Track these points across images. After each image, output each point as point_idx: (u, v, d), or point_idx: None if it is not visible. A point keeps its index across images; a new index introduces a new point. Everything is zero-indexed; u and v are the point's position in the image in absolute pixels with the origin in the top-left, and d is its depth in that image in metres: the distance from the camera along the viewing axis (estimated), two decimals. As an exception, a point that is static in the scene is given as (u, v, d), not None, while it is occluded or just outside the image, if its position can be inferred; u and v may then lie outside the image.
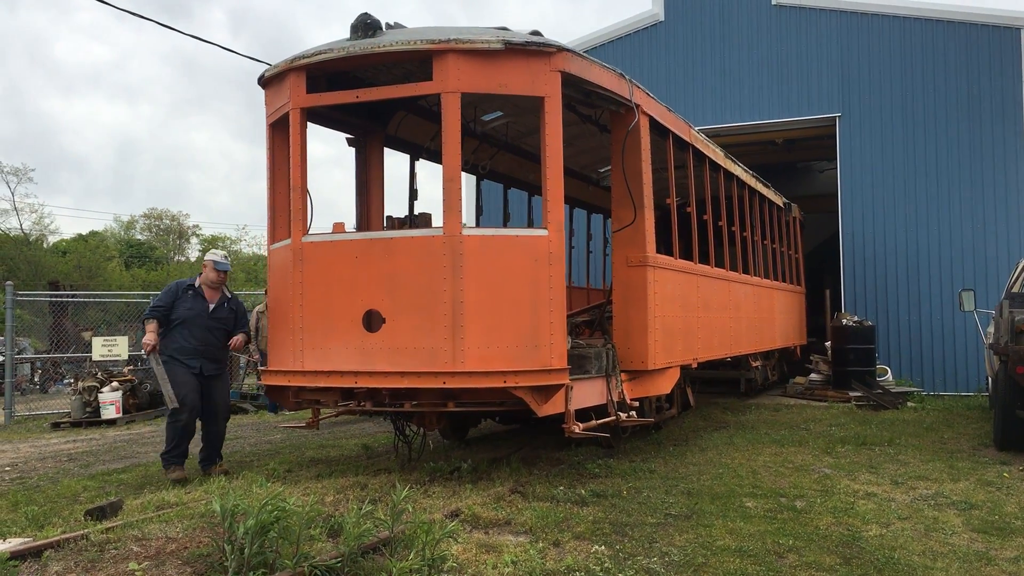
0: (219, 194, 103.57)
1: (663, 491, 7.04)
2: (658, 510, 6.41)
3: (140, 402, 14.34)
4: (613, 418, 7.71)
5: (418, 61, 7.26)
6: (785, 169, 21.77)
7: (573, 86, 7.34)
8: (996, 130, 15.66)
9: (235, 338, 8.23)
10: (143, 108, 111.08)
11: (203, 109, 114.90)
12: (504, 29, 7.24)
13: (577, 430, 7.07)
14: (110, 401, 13.57)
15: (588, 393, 7.46)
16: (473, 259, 6.68)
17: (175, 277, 44.42)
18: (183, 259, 59.11)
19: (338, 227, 7.30)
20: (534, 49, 6.89)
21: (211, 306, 8.09)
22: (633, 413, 8.03)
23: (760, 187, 13.86)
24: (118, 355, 15.70)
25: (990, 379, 12.89)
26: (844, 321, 15.00)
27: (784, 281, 15.76)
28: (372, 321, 6.91)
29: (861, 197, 16.70)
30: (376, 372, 6.78)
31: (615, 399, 7.81)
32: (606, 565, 5.05)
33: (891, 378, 15.19)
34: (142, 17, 11.12)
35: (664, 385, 8.94)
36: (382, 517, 5.28)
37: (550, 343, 6.80)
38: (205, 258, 8.35)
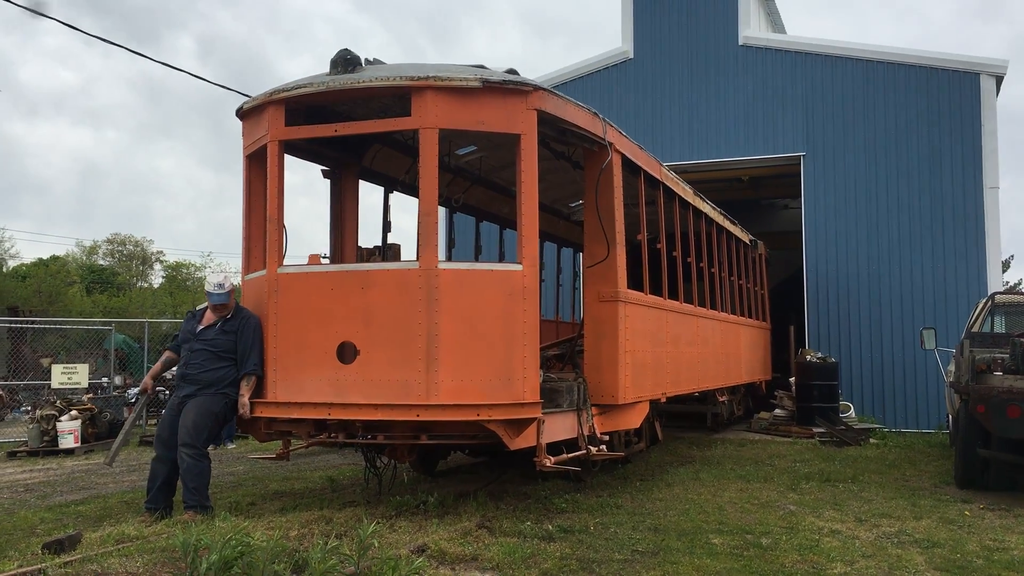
0: (184, 221, 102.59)
1: (630, 527, 7.06)
2: (625, 546, 6.42)
3: (99, 431, 14.09)
4: (584, 452, 7.74)
5: (396, 96, 7.32)
6: (750, 206, 22.11)
7: (548, 124, 7.44)
8: (956, 172, 16.07)
9: (242, 400, 7.31)
10: (108, 133, 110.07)
11: (169, 135, 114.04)
12: (481, 67, 7.34)
13: (548, 463, 7.09)
14: (68, 430, 13.32)
15: (559, 427, 7.49)
16: (448, 293, 6.72)
17: (137, 304, 43.79)
18: (145, 285, 58.34)
19: (313, 259, 7.31)
20: (511, 88, 6.99)
21: (200, 327, 7.60)
22: (603, 447, 8.08)
23: (727, 224, 14.07)
24: (78, 383, 15.45)
25: (951, 417, 13.12)
26: (808, 357, 15.20)
27: (750, 317, 15.97)
28: (346, 353, 6.90)
29: (825, 235, 17.02)
30: (350, 404, 6.77)
31: (586, 433, 7.84)
32: (575, 602, 5.06)
33: (854, 414, 15.39)
34: (111, 43, 11.10)
35: (634, 419, 9.00)
36: (347, 552, 5.24)
37: (523, 377, 6.83)
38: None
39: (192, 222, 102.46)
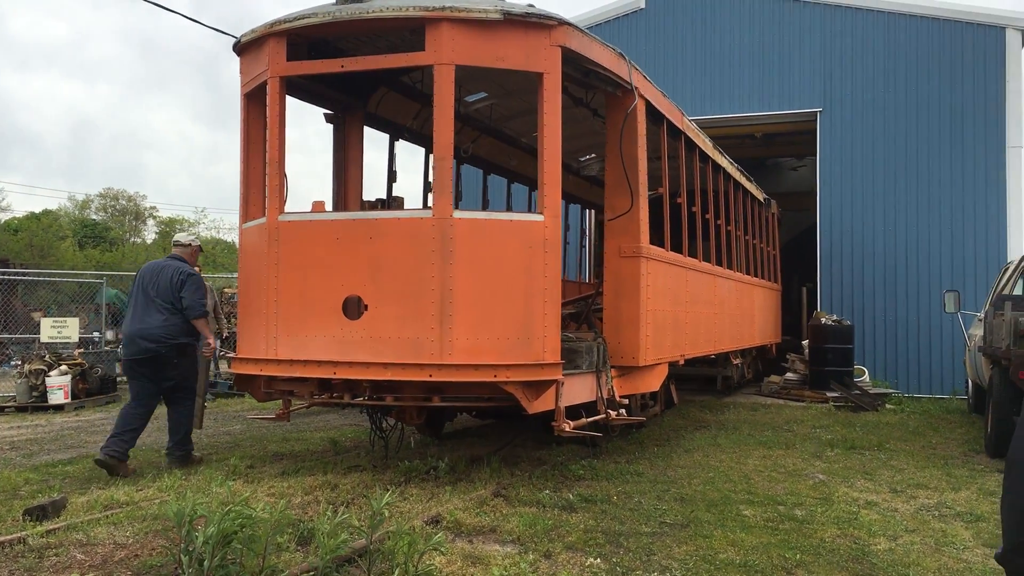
0: (177, 176, 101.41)
1: (654, 496, 6.64)
2: (652, 518, 6.01)
3: (90, 387, 13.64)
4: (603, 416, 7.30)
5: (408, 30, 6.76)
6: (756, 165, 21.54)
7: (572, 63, 6.88)
8: (977, 130, 15.49)
9: None
10: (100, 87, 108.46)
11: (162, 90, 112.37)
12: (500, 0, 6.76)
13: (568, 428, 6.65)
14: (58, 385, 12.85)
15: (578, 389, 7.03)
16: (464, 244, 6.20)
17: (130, 259, 43.14)
18: (139, 240, 57.66)
19: (317, 206, 6.77)
20: (534, 21, 6.41)
21: None
22: (623, 411, 7.63)
23: (744, 181, 13.55)
24: (68, 337, 14.99)
25: (970, 383, 12.72)
26: (823, 320, 14.74)
27: (763, 278, 15.48)
28: (353, 308, 6.41)
29: (840, 194, 16.45)
30: (356, 363, 6.27)
31: (605, 396, 7.39)
32: (604, 580, 4.64)
33: (868, 379, 14.98)
34: None
35: (653, 382, 8.56)
36: (357, 524, 4.80)
37: (543, 336, 6.35)
38: (193, 242, 8.17)
39: (186, 178, 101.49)
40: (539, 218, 6.44)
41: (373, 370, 6.24)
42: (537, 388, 6.39)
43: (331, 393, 6.76)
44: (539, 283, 6.37)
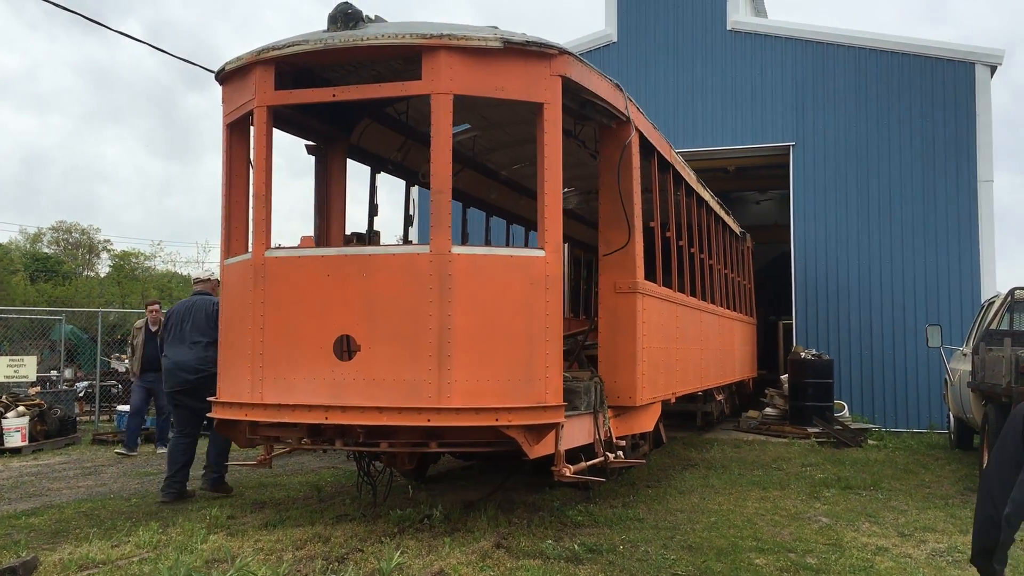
0: (131, 209, 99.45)
1: (660, 545, 6.35)
2: (663, 569, 5.71)
3: (49, 429, 13.01)
4: (602, 459, 7.00)
5: (400, 59, 6.49)
6: (722, 199, 21.55)
7: (571, 93, 6.66)
8: (949, 164, 15.60)
9: None
10: (53, 119, 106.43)
11: (116, 122, 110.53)
12: (495, 28, 6.53)
13: (568, 473, 6.34)
14: (15, 427, 12.24)
15: (577, 432, 6.73)
16: (463, 281, 5.90)
17: (84, 293, 41.96)
18: (92, 274, 56.27)
19: (306, 241, 6.42)
20: (534, 50, 6.18)
21: None
22: (620, 453, 7.35)
23: (723, 214, 13.44)
24: (25, 376, 14.36)
25: (952, 417, 12.64)
26: (802, 355, 14.62)
27: (740, 311, 15.35)
28: (345, 348, 6.07)
29: (814, 228, 16.44)
30: (349, 407, 5.89)
31: (602, 438, 7.10)
32: (625, 640, 4.32)
33: (848, 414, 14.87)
34: (74, 12, 9.88)
35: (647, 422, 8.30)
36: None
37: (545, 377, 6.06)
38: (211, 277, 8.97)
39: (140, 211, 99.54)
40: (540, 253, 6.17)
41: (368, 415, 5.88)
42: (539, 432, 6.08)
43: (320, 438, 6.38)
44: (540, 321, 6.09)
